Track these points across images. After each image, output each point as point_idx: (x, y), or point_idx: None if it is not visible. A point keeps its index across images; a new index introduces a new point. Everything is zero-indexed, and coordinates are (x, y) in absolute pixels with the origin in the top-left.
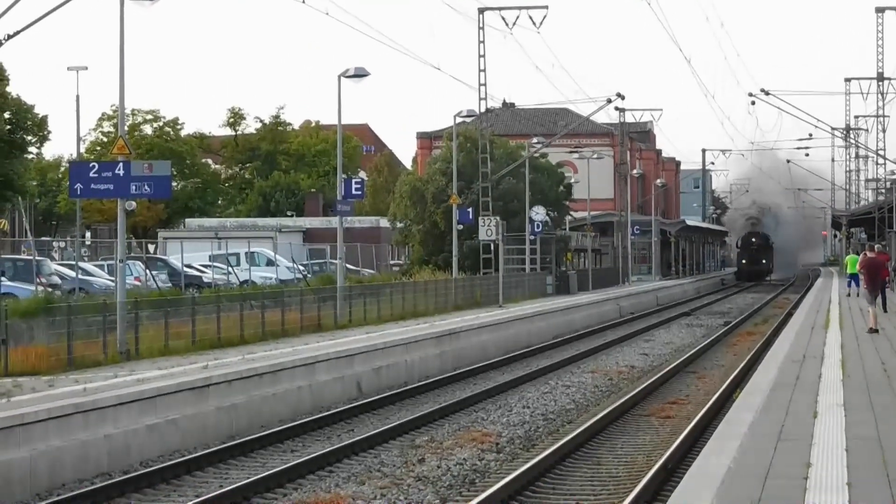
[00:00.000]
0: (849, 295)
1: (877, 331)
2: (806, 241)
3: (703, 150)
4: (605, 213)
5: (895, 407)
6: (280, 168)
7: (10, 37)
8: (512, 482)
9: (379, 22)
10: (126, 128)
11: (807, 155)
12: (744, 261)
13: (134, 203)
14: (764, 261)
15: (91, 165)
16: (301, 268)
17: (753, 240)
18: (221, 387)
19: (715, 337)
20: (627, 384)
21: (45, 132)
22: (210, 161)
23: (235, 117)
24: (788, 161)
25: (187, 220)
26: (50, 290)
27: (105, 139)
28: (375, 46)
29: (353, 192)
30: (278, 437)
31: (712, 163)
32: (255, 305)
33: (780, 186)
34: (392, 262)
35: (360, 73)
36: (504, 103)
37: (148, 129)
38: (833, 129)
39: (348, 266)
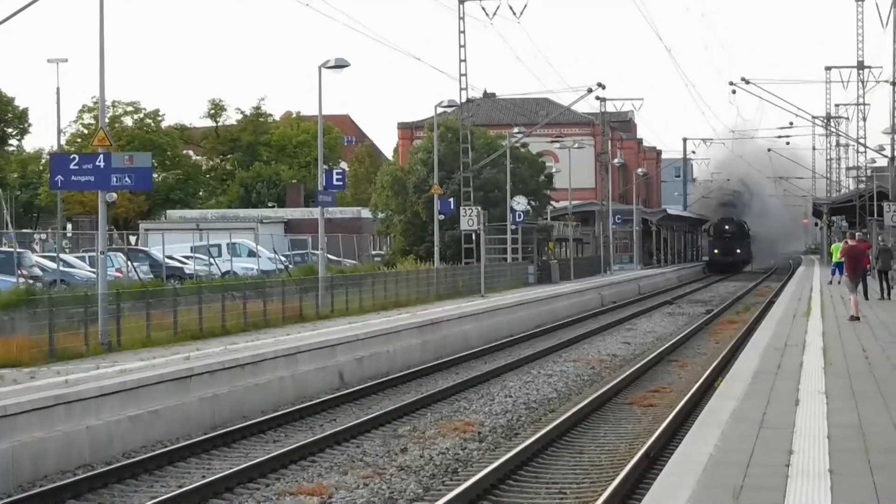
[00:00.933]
0: (830, 283)
1: (858, 318)
2: (787, 230)
3: (684, 139)
4: (587, 202)
5: (876, 394)
6: (261, 159)
7: None
8: (494, 471)
9: (359, 13)
10: (107, 119)
11: (787, 143)
12: (716, 250)
13: (115, 195)
14: (739, 250)
15: (72, 157)
16: (283, 258)
17: (727, 227)
18: (204, 377)
19: (697, 325)
20: (609, 373)
21: (26, 124)
22: (191, 152)
23: (216, 108)
24: (769, 150)
25: (168, 212)
26: (31, 281)
27: (86, 131)
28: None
29: (335, 182)
30: (261, 428)
31: (693, 152)
32: (237, 296)
33: (761, 174)
34: (374, 252)
35: (340, 64)
36: (485, 93)
37: (129, 121)
38: (814, 117)
39: (330, 257)
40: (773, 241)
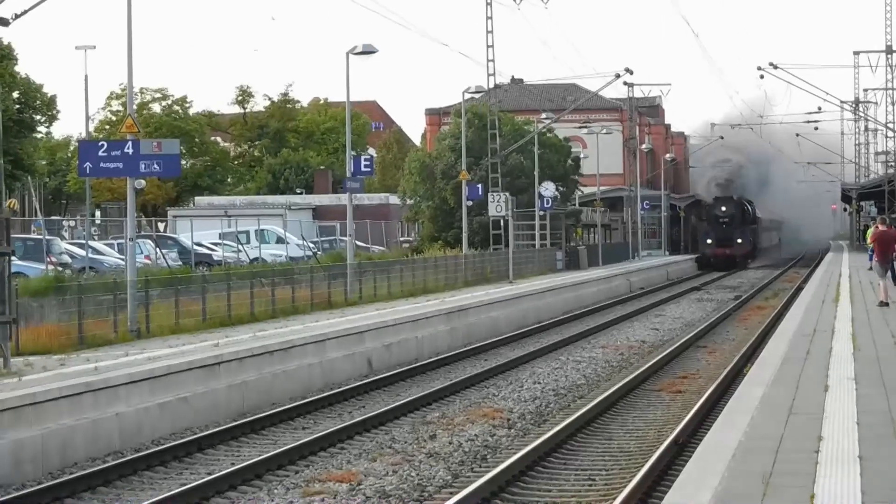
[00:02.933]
0: (870, 268)
1: (887, 304)
2: (813, 214)
3: (712, 125)
4: (615, 188)
5: None
6: (289, 145)
7: (17, 16)
8: (523, 458)
9: None
10: (135, 106)
11: (816, 129)
12: (709, 240)
13: (143, 181)
14: (739, 239)
15: (100, 144)
16: (311, 245)
17: (723, 209)
18: (232, 364)
19: (725, 311)
20: (638, 359)
21: (54, 111)
22: (219, 139)
23: (244, 95)
24: (798, 135)
25: (197, 199)
26: (60, 269)
27: (114, 118)
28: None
29: (363, 168)
30: (289, 415)
31: (721, 137)
32: (266, 283)
33: (778, 152)
34: (402, 238)
35: (367, 50)
36: (512, 79)
37: (156, 108)
38: (842, 102)
39: (358, 243)
40: (796, 228)
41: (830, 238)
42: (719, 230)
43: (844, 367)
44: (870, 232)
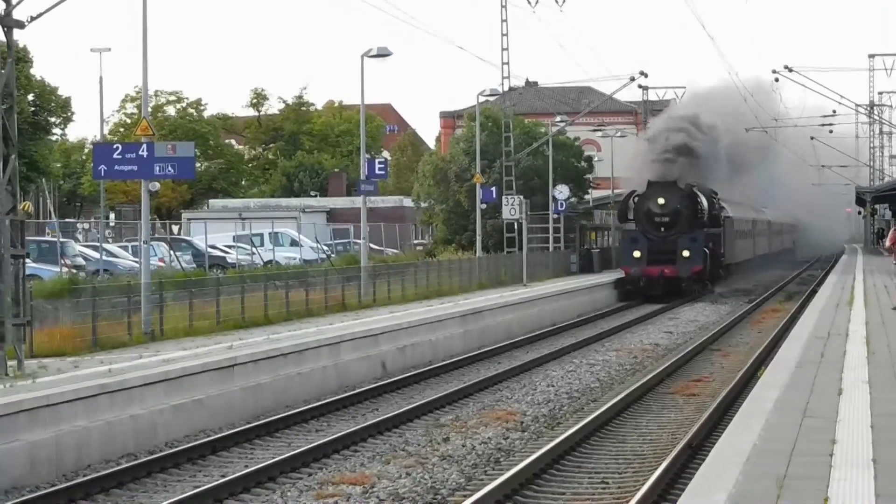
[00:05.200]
0: None
1: None
2: (828, 219)
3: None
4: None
5: None
6: (303, 148)
7: (33, 19)
8: (536, 461)
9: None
10: (149, 109)
11: (831, 132)
12: (635, 252)
13: (158, 184)
14: (687, 252)
15: (115, 147)
16: (325, 248)
17: (661, 201)
18: (247, 367)
19: (739, 314)
20: (652, 362)
21: (69, 114)
22: (233, 142)
23: (258, 98)
24: (812, 138)
25: (211, 201)
26: (74, 271)
27: (128, 120)
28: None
29: (377, 171)
30: (303, 417)
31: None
32: (280, 286)
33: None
34: (416, 241)
35: (382, 53)
36: (527, 82)
37: (171, 111)
38: (857, 105)
39: (372, 246)
40: (813, 231)
41: (845, 241)
42: (653, 236)
43: (859, 370)
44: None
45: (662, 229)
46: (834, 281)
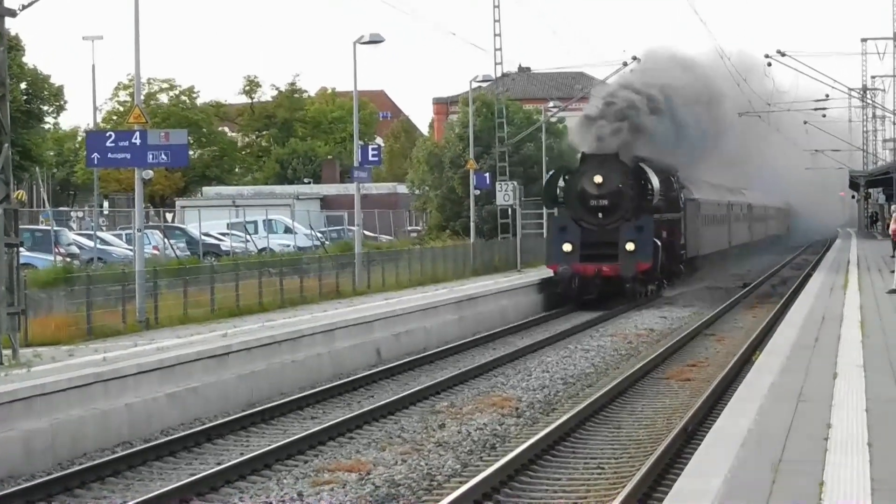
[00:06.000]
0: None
1: None
2: (822, 203)
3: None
4: None
5: None
6: (297, 135)
7: (24, 7)
8: (532, 447)
9: None
10: (142, 97)
11: (824, 116)
12: (566, 246)
13: (151, 172)
14: (631, 245)
15: (108, 135)
16: (319, 235)
17: (597, 180)
18: (241, 354)
19: (734, 299)
20: (647, 347)
21: (62, 102)
22: (227, 129)
23: (251, 85)
24: (805, 122)
25: (205, 189)
26: (68, 260)
27: (121, 108)
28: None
29: (370, 158)
30: (299, 404)
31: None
32: (274, 273)
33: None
34: (410, 228)
35: (375, 40)
36: (520, 68)
37: (164, 98)
38: (850, 89)
39: (366, 232)
40: (801, 215)
41: (839, 225)
42: (588, 224)
43: (853, 354)
44: (893, 220)
45: (600, 215)
46: (828, 265)
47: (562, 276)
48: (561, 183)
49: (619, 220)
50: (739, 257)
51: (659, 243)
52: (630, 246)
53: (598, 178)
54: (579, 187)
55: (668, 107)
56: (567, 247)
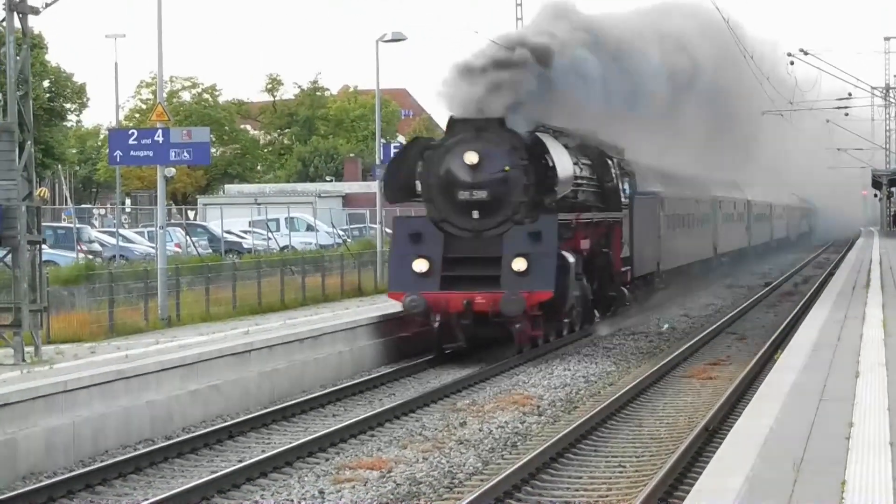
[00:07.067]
0: None
1: None
2: (843, 202)
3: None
4: None
5: None
6: (319, 133)
7: (48, 5)
8: (553, 445)
9: None
10: (165, 95)
11: (846, 115)
12: (418, 265)
13: (173, 170)
14: (522, 261)
15: (130, 133)
16: (341, 232)
17: (472, 158)
18: (263, 352)
19: (755, 298)
20: (668, 346)
21: (84, 100)
22: (249, 127)
23: (273, 83)
24: (828, 121)
25: (227, 186)
26: (91, 257)
27: (144, 106)
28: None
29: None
30: (320, 402)
31: None
32: (296, 271)
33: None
34: None
35: (397, 38)
36: None
37: (186, 96)
38: (872, 88)
39: (388, 230)
40: (822, 214)
41: (862, 225)
42: (456, 228)
43: (875, 353)
44: None
45: (475, 215)
46: (851, 263)
47: (411, 310)
48: (420, 167)
49: (506, 223)
50: (729, 267)
51: (571, 259)
52: (519, 264)
53: (471, 157)
54: (442, 170)
55: (613, 53)
56: (421, 265)
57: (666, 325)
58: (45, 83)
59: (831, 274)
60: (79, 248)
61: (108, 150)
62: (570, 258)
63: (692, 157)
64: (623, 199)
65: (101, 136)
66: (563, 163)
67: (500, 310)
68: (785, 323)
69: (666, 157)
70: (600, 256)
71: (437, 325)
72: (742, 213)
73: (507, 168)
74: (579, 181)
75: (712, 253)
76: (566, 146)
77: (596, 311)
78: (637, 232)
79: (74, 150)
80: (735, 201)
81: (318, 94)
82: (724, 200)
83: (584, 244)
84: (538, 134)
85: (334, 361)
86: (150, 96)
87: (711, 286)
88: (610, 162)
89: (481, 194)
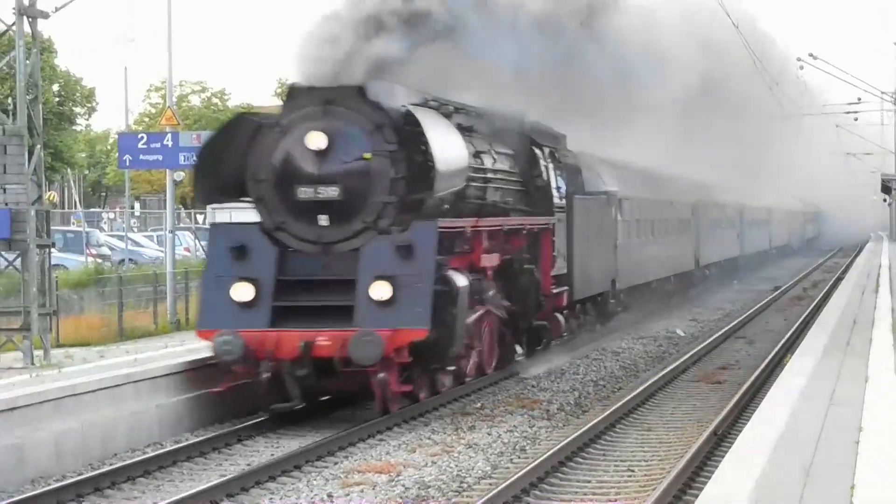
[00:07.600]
0: None
1: None
2: (852, 207)
3: None
4: None
5: None
6: None
7: (57, 9)
8: (562, 449)
9: None
10: (174, 99)
11: (856, 119)
12: (238, 291)
13: (182, 174)
14: (386, 287)
15: (139, 137)
16: None
17: (319, 142)
18: None
19: (765, 302)
20: (677, 350)
21: (94, 104)
22: None
23: (283, 88)
24: (837, 126)
25: None
26: (100, 261)
27: (153, 110)
28: None
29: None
30: (329, 406)
31: None
32: None
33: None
34: None
35: None
36: None
37: (196, 100)
38: (882, 92)
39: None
40: (828, 219)
41: (871, 230)
42: (293, 237)
43: (885, 357)
44: None
45: (322, 221)
46: (859, 268)
47: (222, 356)
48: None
49: (364, 233)
50: (715, 282)
51: (461, 282)
52: (381, 290)
53: (316, 139)
54: (277, 159)
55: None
56: (243, 291)
57: (678, 331)
58: (55, 87)
59: (840, 278)
60: (88, 251)
61: (117, 154)
62: (461, 281)
63: (672, 154)
64: (557, 200)
65: (111, 140)
66: (449, 148)
67: (350, 353)
68: (794, 327)
69: (641, 154)
70: (522, 276)
71: (265, 377)
72: (732, 219)
73: (366, 155)
74: (488, 175)
75: (693, 265)
76: (465, 127)
77: (518, 347)
78: (579, 242)
79: (84, 154)
80: (723, 205)
81: None
82: (707, 203)
83: (491, 260)
84: (411, 108)
85: None
86: (160, 100)
87: (688, 304)
88: (539, 152)
89: (330, 192)
